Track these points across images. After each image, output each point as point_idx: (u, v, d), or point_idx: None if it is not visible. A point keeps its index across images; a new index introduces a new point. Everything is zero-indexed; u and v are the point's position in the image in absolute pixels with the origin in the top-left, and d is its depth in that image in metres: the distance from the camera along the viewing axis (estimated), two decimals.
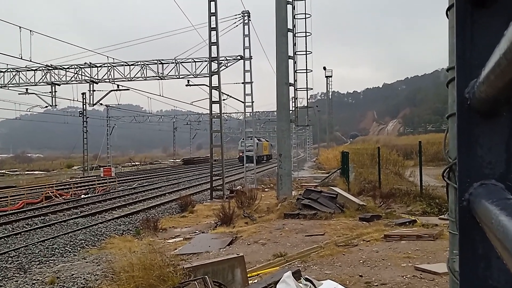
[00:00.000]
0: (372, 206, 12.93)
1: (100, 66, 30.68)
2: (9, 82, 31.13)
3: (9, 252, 11.41)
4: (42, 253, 11.46)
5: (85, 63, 30.64)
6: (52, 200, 22.05)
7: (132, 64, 30.19)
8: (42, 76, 31.17)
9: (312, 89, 19.62)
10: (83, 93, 37.07)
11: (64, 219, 16.20)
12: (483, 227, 0.80)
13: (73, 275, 9.15)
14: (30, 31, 25.90)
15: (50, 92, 32.38)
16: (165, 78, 30.04)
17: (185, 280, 5.12)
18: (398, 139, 71.63)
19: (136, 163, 64.26)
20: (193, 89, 33.35)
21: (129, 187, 28.50)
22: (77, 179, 36.36)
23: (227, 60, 26.77)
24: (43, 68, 30.85)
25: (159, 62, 29.74)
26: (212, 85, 22.72)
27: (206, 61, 26.91)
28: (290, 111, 16.90)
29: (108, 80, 31.24)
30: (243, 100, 25.56)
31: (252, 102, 25.21)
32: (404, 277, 6.20)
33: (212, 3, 21.57)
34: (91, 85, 33.27)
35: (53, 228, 14.63)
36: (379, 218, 11.01)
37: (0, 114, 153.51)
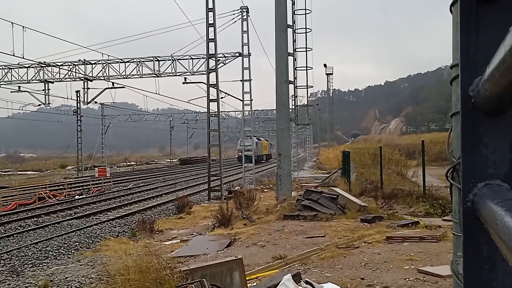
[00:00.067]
0: (373, 207, 12.93)
1: (94, 63, 30.35)
2: (1, 80, 30.71)
3: (1, 255, 11.24)
4: (35, 255, 11.32)
5: (79, 60, 30.27)
6: (46, 201, 21.85)
7: (127, 61, 29.89)
8: (35, 74, 30.74)
9: (312, 87, 19.52)
10: (77, 91, 36.74)
11: (58, 220, 16.02)
12: (487, 229, 0.80)
13: (67, 278, 9.08)
14: (23, 27, 25.50)
15: (43, 90, 32.02)
16: (162, 75, 29.75)
17: (182, 283, 5.10)
18: (401, 138, 71.47)
19: (132, 163, 63.98)
20: (190, 87, 33.14)
21: (124, 188, 28.21)
22: (71, 180, 36.07)
23: (225, 57, 26.48)
24: (36, 65, 30.40)
25: (155, 59, 29.42)
26: (210, 83, 22.48)
27: (203, 58, 26.63)
28: (290, 110, 16.74)
29: (103, 78, 30.96)
30: (241, 98, 25.36)
31: (251, 100, 25.02)
32: (407, 280, 6.19)
33: None
34: (86, 83, 32.81)
35: (47, 230, 14.47)
36: (381, 220, 11.04)
37: None
